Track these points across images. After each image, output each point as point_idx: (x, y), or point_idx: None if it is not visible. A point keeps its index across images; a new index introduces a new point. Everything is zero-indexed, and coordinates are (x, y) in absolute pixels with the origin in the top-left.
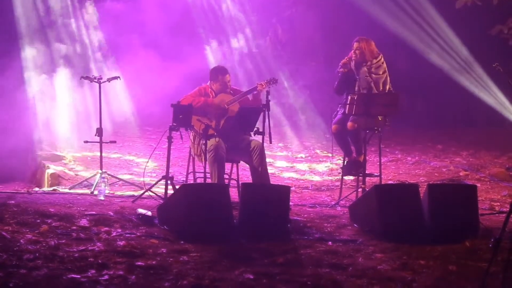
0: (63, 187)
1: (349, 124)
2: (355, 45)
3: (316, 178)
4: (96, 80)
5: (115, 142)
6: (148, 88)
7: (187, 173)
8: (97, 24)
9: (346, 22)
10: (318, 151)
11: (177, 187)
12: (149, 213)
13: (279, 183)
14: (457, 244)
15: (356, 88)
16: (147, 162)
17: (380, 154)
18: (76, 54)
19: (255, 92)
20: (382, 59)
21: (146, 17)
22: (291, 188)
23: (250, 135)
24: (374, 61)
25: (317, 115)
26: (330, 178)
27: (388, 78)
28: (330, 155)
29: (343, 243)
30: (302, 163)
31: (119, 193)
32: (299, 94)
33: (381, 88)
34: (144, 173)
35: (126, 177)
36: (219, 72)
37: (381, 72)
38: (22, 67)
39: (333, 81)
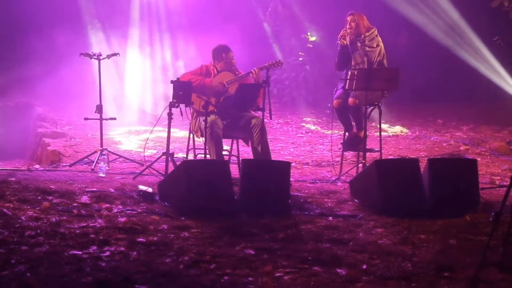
0: (63, 164)
1: (350, 100)
2: (350, 18)
3: (317, 154)
4: (95, 57)
5: (115, 119)
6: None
7: (187, 150)
8: None
9: None
10: (318, 126)
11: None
12: (150, 190)
13: (280, 159)
14: (458, 218)
15: (353, 63)
16: (147, 138)
17: (380, 129)
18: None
19: (254, 75)
20: (376, 32)
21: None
22: (292, 164)
23: (250, 112)
24: (367, 34)
25: (317, 90)
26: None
27: (383, 51)
28: (329, 132)
29: (343, 218)
30: (303, 139)
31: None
32: (299, 70)
33: (375, 61)
34: (144, 149)
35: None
36: (222, 51)
37: (374, 45)
38: None
39: (333, 56)
